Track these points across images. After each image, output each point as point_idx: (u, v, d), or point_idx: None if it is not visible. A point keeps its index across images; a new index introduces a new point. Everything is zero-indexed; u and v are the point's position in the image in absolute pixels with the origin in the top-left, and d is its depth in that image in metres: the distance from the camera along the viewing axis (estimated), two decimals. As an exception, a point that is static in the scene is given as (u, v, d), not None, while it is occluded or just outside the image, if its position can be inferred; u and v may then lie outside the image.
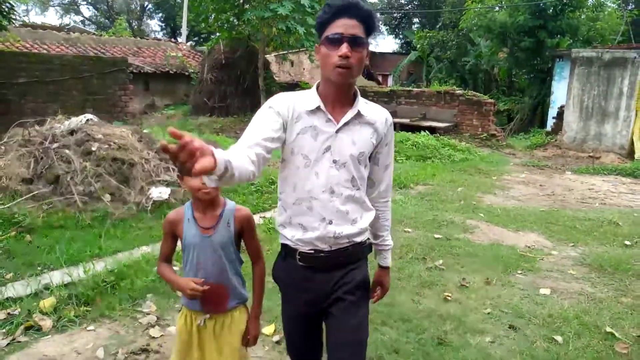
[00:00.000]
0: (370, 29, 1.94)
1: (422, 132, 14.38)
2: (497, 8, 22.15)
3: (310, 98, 2.00)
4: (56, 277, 4.28)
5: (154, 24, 48.81)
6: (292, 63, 22.04)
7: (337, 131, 1.98)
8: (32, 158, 6.21)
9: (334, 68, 1.88)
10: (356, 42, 1.88)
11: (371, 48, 39.05)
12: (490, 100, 16.91)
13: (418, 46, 28.79)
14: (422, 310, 4.10)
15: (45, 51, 17.42)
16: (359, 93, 2.05)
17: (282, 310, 2.25)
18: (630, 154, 13.66)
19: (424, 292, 4.49)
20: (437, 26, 31.58)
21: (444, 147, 13.29)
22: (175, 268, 2.39)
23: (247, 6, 15.86)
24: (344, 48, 1.85)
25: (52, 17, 74.07)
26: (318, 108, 1.97)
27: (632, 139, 13.87)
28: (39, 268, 4.51)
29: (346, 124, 1.99)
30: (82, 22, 42.18)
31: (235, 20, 17.29)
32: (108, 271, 4.34)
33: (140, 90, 19.96)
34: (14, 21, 12.18)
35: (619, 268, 5.23)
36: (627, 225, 6.97)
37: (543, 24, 19.38)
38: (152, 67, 21.07)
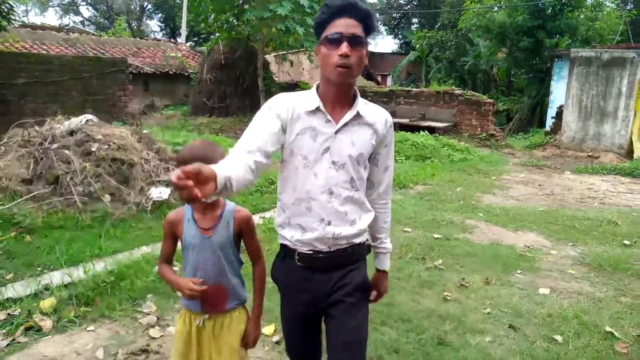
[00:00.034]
0: (369, 28, 1.94)
1: (421, 132, 14.37)
2: (495, 8, 22.16)
3: (309, 98, 2.00)
4: (56, 277, 4.27)
5: (154, 25, 48.81)
6: (291, 63, 22.02)
7: (336, 132, 1.97)
8: (31, 158, 6.21)
9: (334, 67, 1.88)
10: (356, 41, 1.88)
11: (370, 48, 39.08)
12: (489, 100, 16.92)
13: (417, 46, 28.81)
14: (422, 310, 4.09)
15: (44, 52, 17.41)
16: (358, 94, 2.05)
17: (281, 311, 2.25)
18: (629, 153, 13.67)
19: (423, 292, 4.49)
20: (436, 26, 31.64)
21: (443, 147, 13.29)
22: (175, 268, 2.39)
23: (246, 6, 15.86)
24: (344, 47, 1.85)
25: (51, 17, 74.09)
26: (317, 109, 1.97)
27: (631, 139, 13.89)
28: (39, 268, 4.50)
29: (345, 124, 1.99)
30: (82, 22, 42.14)
31: (234, 21, 17.30)
32: (108, 271, 4.33)
33: (139, 90, 19.96)
34: (13, 22, 12.18)
35: (618, 267, 5.24)
36: (626, 224, 6.98)
37: (542, 24, 19.40)
38: (151, 67, 21.07)
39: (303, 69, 23.54)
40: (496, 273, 5.01)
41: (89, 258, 4.70)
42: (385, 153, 2.14)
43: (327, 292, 2.06)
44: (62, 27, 27.40)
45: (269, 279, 2.28)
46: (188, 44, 28.17)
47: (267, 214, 6.43)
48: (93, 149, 6.31)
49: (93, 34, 24.65)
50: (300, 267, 2.06)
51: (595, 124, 14.49)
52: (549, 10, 19.69)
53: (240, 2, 16.25)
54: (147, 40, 26.11)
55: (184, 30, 30.03)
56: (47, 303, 3.80)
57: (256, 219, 6.15)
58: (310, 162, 1.98)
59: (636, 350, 3.61)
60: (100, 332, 3.58)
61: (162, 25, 44.69)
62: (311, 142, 1.97)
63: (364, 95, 18.01)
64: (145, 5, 43.69)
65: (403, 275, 4.82)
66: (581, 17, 21.05)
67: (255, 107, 17.56)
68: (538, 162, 13.16)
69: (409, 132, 14.16)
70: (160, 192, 6.18)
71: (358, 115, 2.01)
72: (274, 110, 1.97)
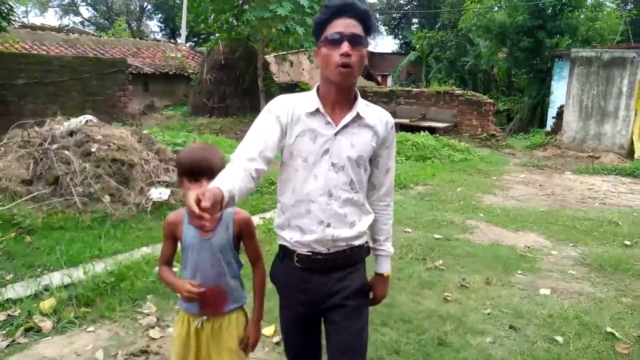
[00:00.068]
0: (368, 28, 1.94)
1: (422, 133, 14.37)
2: (496, 8, 22.16)
3: (309, 100, 1.99)
4: (56, 278, 4.26)
5: (154, 25, 48.73)
6: (291, 63, 22.01)
7: (335, 134, 1.97)
8: (31, 159, 6.20)
9: (335, 67, 1.87)
10: (356, 41, 1.88)
11: (370, 48, 39.13)
12: (489, 101, 16.90)
13: (417, 46, 28.79)
14: (422, 311, 4.08)
15: (44, 52, 17.43)
16: (359, 95, 2.04)
17: (280, 312, 2.24)
18: (630, 153, 13.65)
19: (424, 292, 4.48)
20: (437, 26, 31.64)
21: (443, 147, 13.28)
22: (175, 269, 2.38)
23: (246, 7, 15.85)
24: (345, 46, 1.85)
25: (51, 18, 74.03)
26: (317, 110, 1.97)
27: (632, 139, 13.88)
28: (38, 269, 4.49)
29: (345, 126, 1.98)
30: (82, 23, 42.15)
31: (234, 21, 17.29)
32: (108, 272, 4.32)
33: (139, 91, 19.96)
34: (13, 22, 12.19)
35: (619, 268, 5.23)
36: (626, 225, 6.97)
37: (542, 24, 19.40)
38: (151, 67, 21.06)
39: (303, 69, 23.53)
40: (497, 273, 5.00)
41: (89, 259, 4.69)
42: (386, 155, 2.13)
43: (326, 294, 2.05)
44: (62, 28, 27.38)
45: (269, 280, 2.27)
46: (188, 44, 28.17)
47: (267, 215, 6.43)
48: (93, 150, 6.30)
49: (93, 35, 24.62)
50: (299, 268, 2.05)
51: (596, 124, 14.48)
52: (549, 10, 19.70)
53: (240, 2, 16.24)
54: (146, 40, 26.10)
55: (183, 31, 30.04)
56: (47, 304, 3.79)
57: (256, 219, 6.15)
58: (310, 164, 1.97)
59: (637, 351, 3.60)
60: (100, 333, 3.57)
61: (162, 25, 44.73)
62: (311, 144, 1.96)
63: (364, 95, 18.00)
64: (145, 6, 43.72)
65: (403, 275, 4.81)
66: (581, 17, 21.06)
67: (255, 107, 17.56)
68: (539, 162, 13.15)
69: (410, 133, 14.16)
70: (160, 193, 6.17)
71: (358, 117, 2.00)
72: (274, 113, 1.97)
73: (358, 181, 2.03)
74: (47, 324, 3.59)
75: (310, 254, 2.03)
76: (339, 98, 1.98)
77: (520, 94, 23.52)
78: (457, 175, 10.52)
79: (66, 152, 6.23)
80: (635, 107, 13.83)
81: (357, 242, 2.07)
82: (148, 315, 3.84)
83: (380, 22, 43.65)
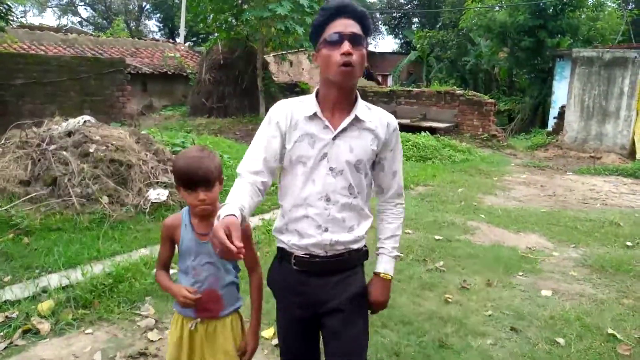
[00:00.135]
0: (366, 29, 1.94)
1: (423, 133, 14.33)
2: (497, 8, 22.15)
3: (308, 104, 1.99)
4: (54, 279, 4.24)
5: (152, 25, 48.78)
6: (290, 63, 22.01)
7: (334, 138, 1.96)
8: (29, 160, 6.18)
9: (337, 67, 1.86)
10: (356, 40, 1.88)
11: (370, 48, 38.92)
12: (490, 101, 16.86)
13: (418, 46, 28.81)
14: (423, 313, 4.07)
15: (42, 52, 17.41)
16: (359, 98, 2.03)
17: (277, 316, 2.23)
18: (632, 154, 13.63)
19: (424, 294, 4.46)
20: (437, 26, 31.62)
21: (444, 147, 13.27)
22: (173, 271, 2.36)
23: (245, 6, 15.84)
24: (346, 45, 1.85)
25: (49, 18, 73.91)
26: (315, 114, 1.97)
27: (633, 139, 13.85)
28: (36, 271, 4.48)
29: (344, 130, 1.97)
30: (80, 23, 42.20)
31: (233, 21, 17.27)
32: (106, 274, 4.30)
33: (138, 91, 19.94)
34: (11, 22, 12.19)
35: (620, 269, 5.20)
36: (628, 225, 6.94)
37: (543, 24, 19.40)
38: (150, 67, 21.05)
39: (303, 69, 23.52)
40: (498, 275, 4.97)
41: (87, 260, 4.68)
42: (391, 158, 2.11)
43: (323, 297, 2.04)
44: (60, 28, 27.37)
45: (265, 285, 2.26)
46: (187, 44, 28.12)
47: (266, 216, 6.41)
48: (91, 150, 6.28)
49: (91, 35, 24.59)
50: (296, 270, 2.04)
51: (598, 124, 14.45)
52: (550, 10, 19.69)
53: (239, 2, 16.22)
54: (145, 40, 26.06)
55: (182, 31, 30.01)
56: (45, 305, 3.78)
57: (255, 220, 6.14)
58: (308, 168, 1.97)
59: (639, 352, 3.58)
60: (98, 335, 3.56)
61: (161, 25, 44.74)
62: (309, 149, 1.96)
63: (365, 95, 18.00)
64: (143, 5, 43.72)
65: (404, 277, 4.78)
66: (582, 17, 21.07)
67: (254, 107, 17.54)
68: (540, 162, 13.13)
69: (410, 133, 14.11)
70: (158, 194, 6.15)
71: (358, 120, 1.99)
72: (274, 120, 2.00)
73: (357, 185, 2.01)
74: (45, 326, 3.58)
75: (308, 256, 2.02)
76: (339, 100, 1.97)
77: (521, 94, 23.51)
78: (458, 175, 10.50)
79: (64, 152, 6.21)
80: (636, 107, 13.80)
81: (355, 246, 2.06)
82: (146, 317, 3.82)
83: (380, 22, 43.71)
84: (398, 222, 2.20)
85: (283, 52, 20.89)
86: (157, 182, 6.45)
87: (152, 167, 6.60)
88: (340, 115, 1.98)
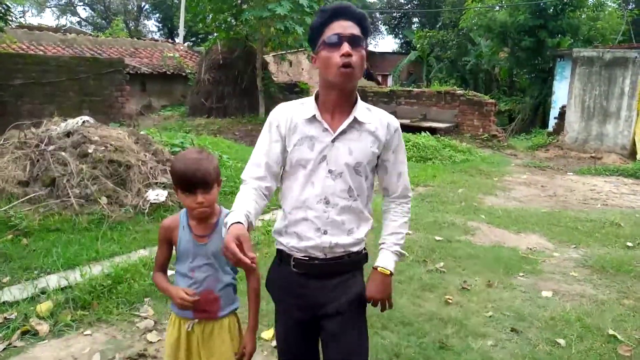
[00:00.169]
0: (365, 30, 1.94)
1: (423, 133, 14.32)
2: (497, 7, 22.13)
3: (307, 107, 2.00)
4: (53, 280, 4.24)
5: (151, 25, 48.75)
6: (290, 63, 21.98)
7: (333, 140, 1.96)
8: (28, 160, 6.17)
9: (337, 69, 1.86)
10: (356, 41, 1.88)
11: (370, 48, 38.86)
12: (491, 101, 16.83)
13: (418, 46, 28.79)
14: (423, 314, 4.05)
15: (41, 52, 17.41)
16: (359, 99, 2.03)
17: (276, 319, 2.23)
18: (632, 154, 13.61)
19: (424, 295, 4.45)
20: (437, 26, 31.61)
21: (444, 148, 13.26)
22: (172, 272, 2.35)
23: (245, 6, 15.83)
24: (345, 47, 1.85)
25: (48, 18, 74.00)
26: (314, 117, 1.97)
27: (634, 139, 13.83)
28: (35, 272, 4.47)
29: (343, 132, 1.97)
30: (79, 23, 42.16)
31: (233, 21, 17.26)
32: (105, 275, 4.29)
33: (137, 91, 19.95)
34: (10, 22, 12.18)
35: (621, 270, 5.19)
36: (628, 226, 6.93)
37: (543, 24, 19.39)
38: (149, 67, 21.05)
39: (302, 69, 23.50)
40: (498, 276, 4.96)
41: (85, 261, 4.67)
42: (393, 159, 2.10)
43: (322, 300, 2.03)
44: (59, 28, 27.31)
45: (263, 287, 2.25)
46: (186, 44, 28.10)
47: (266, 217, 6.39)
48: (90, 151, 6.27)
49: (90, 35, 24.55)
50: (295, 273, 2.04)
51: (598, 124, 14.43)
52: (551, 10, 19.69)
53: (239, 1, 16.22)
54: (144, 40, 26.04)
55: (181, 31, 29.96)
56: (44, 307, 3.77)
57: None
58: (308, 171, 1.97)
59: (639, 353, 3.57)
60: (97, 337, 3.55)
61: (160, 25, 44.71)
62: (309, 152, 1.96)
63: (365, 95, 17.99)
64: (142, 5, 43.70)
65: (404, 278, 4.77)
66: (583, 16, 21.05)
67: (253, 107, 17.52)
68: (540, 163, 13.12)
69: (410, 133, 14.09)
70: (157, 194, 6.14)
71: (357, 122, 1.98)
72: (274, 124, 2.03)
73: (357, 188, 2.00)
74: (44, 327, 3.57)
75: (307, 258, 2.01)
76: (339, 102, 1.97)
77: (521, 94, 23.49)
78: (458, 176, 10.49)
79: (63, 153, 6.19)
80: (637, 108, 13.78)
81: (354, 249, 2.05)
82: (145, 318, 3.82)
83: (380, 22, 43.72)
84: (402, 219, 2.17)
85: (282, 52, 20.88)
86: (156, 183, 6.43)
87: (151, 168, 6.59)
88: (340, 117, 1.98)
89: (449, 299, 4.37)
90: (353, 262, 2.06)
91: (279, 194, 2.12)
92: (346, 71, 1.86)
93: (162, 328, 3.69)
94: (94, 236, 5.33)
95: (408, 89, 19.65)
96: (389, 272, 2.08)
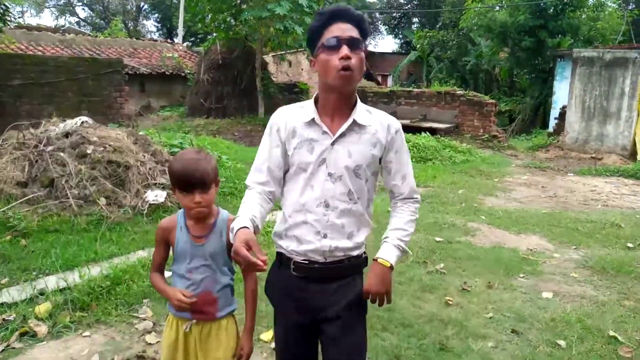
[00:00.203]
0: (364, 32, 1.94)
1: (423, 134, 14.30)
2: (497, 7, 22.12)
3: (306, 110, 1.99)
4: (51, 282, 4.23)
5: (150, 25, 48.73)
6: (290, 63, 21.98)
7: (332, 143, 1.95)
8: (26, 161, 6.16)
9: (336, 72, 1.85)
10: (355, 44, 1.87)
11: (370, 48, 38.77)
12: (491, 101, 16.81)
13: (418, 46, 28.77)
14: (423, 315, 4.04)
15: (40, 53, 17.42)
16: (359, 102, 2.02)
17: (276, 323, 2.22)
18: (633, 154, 13.58)
19: (425, 296, 4.44)
20: (437, 26, 31.60)
21: (444, 148, 13.23)
22: (169, 273, 2.34)
23: (244, 6, 15.82)
24: (345, 50, 1.84)
25: (47, 18, 74.27)
26: (313, 120, 1.96)
27: (634, 140, 13.81)
28: (34, 273, 4.46)
29: (342, 135, 1.96)
30: (78, 23, 42.12)
31: (232, 21, 17.25)
32: (104, 276, 4.28)
33: (136, 91, 19.94)
34: (9, 23, 12.17)
35: (622, 270, 5.18)
36: (629, 227, 6.92)
37: (544, 24, 19.38)
38: (148, 68, 21.04)
39: (302, 69, 23.51)
40: (499, 277, 4.95)
41: (84, 262, 4.66)
42: (396, 160, 2.09)
43: (322, 304, 2.02)
44: (58, 28, 27.31)
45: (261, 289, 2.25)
46: (185, 44, 28.12)
47: (266, 218, 6.37)
48: (88, 152, 6.25)
49: (89, 35, 24.56)
50: (295, 276, 2.03)
51: (599, 124, 14.40)
52: (551, 10, 19.68)
53: (238, 1, 16.20)
54: (143, 40, 26.05)
55: (180, 31, 29.94)
56: (43, 308, 3.76)
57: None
58: (308, 174, 1.96)
59: (640, 355, 3.56)
60: (96, 338, 3.55)
61: (159, 25, 44.69)
62: (308, 155, 1.96)
63: (365, 95, 17.98)
64: (141, 6, 43.69)
65: (404, 279, 4.76)
66: (583, 17, 21.04)
67: (253, 108, 17.50)
68: (541, 163, 13.10)
69: (410, 134, 14.05)
70: (156, 195, 6.12)
71: (356, 125, 1.97)
72: (274, 128, 2.03)
73: (357, 191, 1.99)
74: (42, 329, 3.56)
75: (306, 262, 2.00)
76: (338, 105, 1.96)
77: (522, 94, 23.46)
78: (458, 177, 10.47)
79: (61, 154, 6.18)
80: (637, 108, 13.77)
81: (354, 253, 2.04)
82: (144, 319, 3.81)
83: (380, 22, 43.73)
84: (408, 217, 2.12)
85: (282, 52, 20.86)
86: (155, 184, 6.42)
87: (150, 169, 6.57)
88: (339, 120, 1.97)
89: (449, 300, 4.36)
90: (353, 266, 2.05)
91: (281, 198, 2.12)
92: (345, 74, 1.85)
93: (160, 329, 3.67)
94: (92, 237, 5.32)
95: (408, 89, 19.64)
96: (389, 265, 2.01)
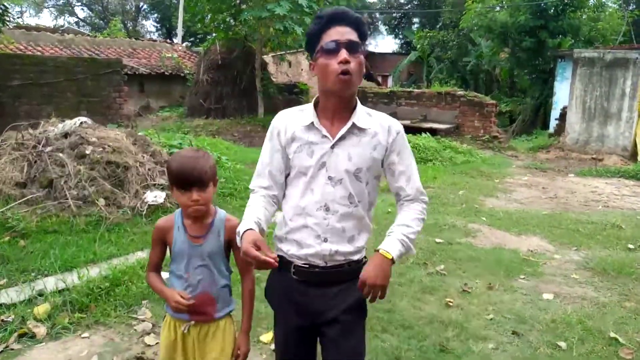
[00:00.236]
0: (362, 35, 1.93)
1: (423, 134, 14.28)
2: (497, 8, 22.10)
3: (306, 114, 1.99)
4: (50, 283, 4.22)
5: (149, 25, 48.75)
6: (289, 64, 21.98)
7: (332, 147, 1.94)
8: (25, 162, 6.15)
9: (335, 76, 1.85)
10: (354, 47, 1.87)
11: (370, 48, 38.79)
12: (491, 102, 16.78)
13: (418, 46, 28.73)
14: (424, 317, 4.03)
15: (39, 53, 17.42)
16: (359, 105, 2.01)
17: (275, 325, 2.22)
18: (633, 155, 13.57)
19: (425, 297, 4.43)
20: (438, 26, 31.62)
21: (445, 149, 13.21)
22: (166, 274, 2.33)
23: (244, 6, 15.84)
24: (343, 53, 1.83)
25: (46, 18, 74.22)
26: (312, 124, 1.96)
27: (635, 141, 13.80)
28: (32, 274, 4.45)
29: (342, 138, 1.95)
30: (77, 23, 42.13)
31: (231, 21, 17.25)
32: (102, 277, 4.27)
33: (135, 92, 19.93)
34: (8, 23, 12.16)
35: (622, 272, 5.17)
36: (630, 228, 6.90)
37: (544, 24, 19.33)
38: (147, 68, 21.04)
39: (302, 70, 23.51)
40: (499, 278, 4.94)
41: (83, 263, 4.66)
42: (398, 161, 2.05)
43: (322, 308, 2.01)
44: (57, 28, 27.35)
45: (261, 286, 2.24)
46: (184, 44, 28.16)
47: (270, 220, 6.36)
48: (87, 152, 6.24)
49: (88, 35, 24.58)
50: (295, 280, 2.02)
51: (599, 125, 14.37)
52: (552, 11, 19.63)
53: (238, 1, 16.21)
54: (142, 40, 26.08)
55: (180, 31, 29.97)
56: (41, 309, 3.76)
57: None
58: (308, 178, 1.96)
59: (641, 356, 3.55)
60: (95, 339, 3.54)
61: (158, 25, 44.72)
62: (308, 159, 1.95)
63: (365, 96, 17.96)
64: (140, 6, 43.71)
65: (404, 280, 4.75)
66: (583, 17, 20.99)
67: (252, 108, 17.50)
68: (542, 164, 13.08)
69: (410, 134, 14.03)
70: (155, 196, 6.11)
71: (356, 128, 1.96)
72: (275, 132, 2.04)
73: (358, 194, 1.98)
74: (41, 330, 3.55)
75: (307, 266, 1.99)
76: (339, 109, 1.96)
77: (522, 94, 23.43)
78: (458, 177, 10.46)
79: (60, 154, 6.17)
80: (638, 109, 13.75)
81: (355, 257, 2.03)
82: (143, 321, 3.80)
83: (380, 22, 43.73)
84: (415, 215, 2.03)
85: (282, 53, 20.85)
86: (154, 184, 6.41)
87: (149, 169, 6.56)
88: (339, 123, 1.96)
89: (449, 301, 4.35)
90: (353, 270, 2.02)
91: (282, 202, 2.12)
92: (344, 78, 1.84)
93: (159, 331, 3.65)
94: (91, 238, 5.31)
95: (408, 89, 19.64)
96: (390, 257, 1.88)
